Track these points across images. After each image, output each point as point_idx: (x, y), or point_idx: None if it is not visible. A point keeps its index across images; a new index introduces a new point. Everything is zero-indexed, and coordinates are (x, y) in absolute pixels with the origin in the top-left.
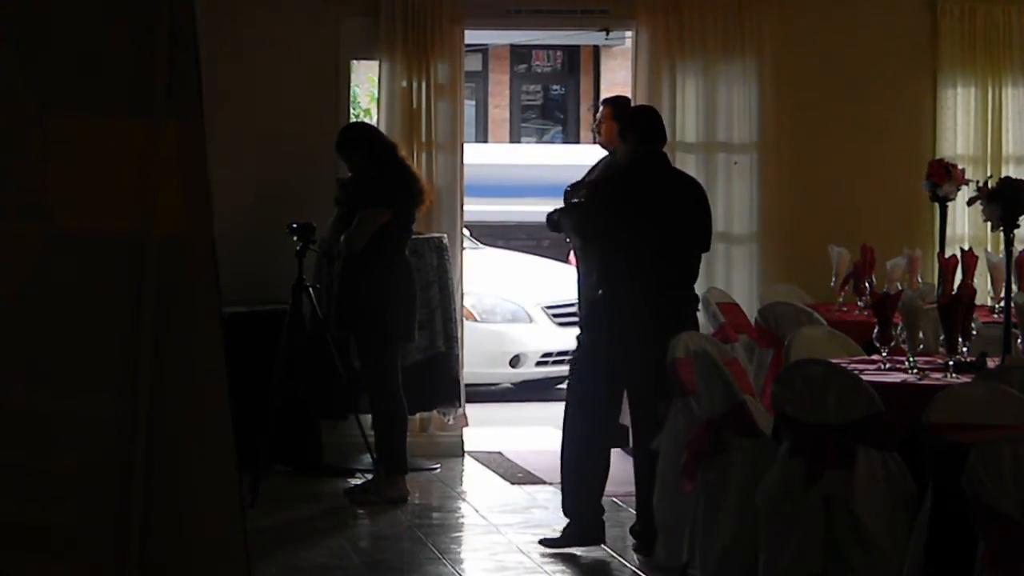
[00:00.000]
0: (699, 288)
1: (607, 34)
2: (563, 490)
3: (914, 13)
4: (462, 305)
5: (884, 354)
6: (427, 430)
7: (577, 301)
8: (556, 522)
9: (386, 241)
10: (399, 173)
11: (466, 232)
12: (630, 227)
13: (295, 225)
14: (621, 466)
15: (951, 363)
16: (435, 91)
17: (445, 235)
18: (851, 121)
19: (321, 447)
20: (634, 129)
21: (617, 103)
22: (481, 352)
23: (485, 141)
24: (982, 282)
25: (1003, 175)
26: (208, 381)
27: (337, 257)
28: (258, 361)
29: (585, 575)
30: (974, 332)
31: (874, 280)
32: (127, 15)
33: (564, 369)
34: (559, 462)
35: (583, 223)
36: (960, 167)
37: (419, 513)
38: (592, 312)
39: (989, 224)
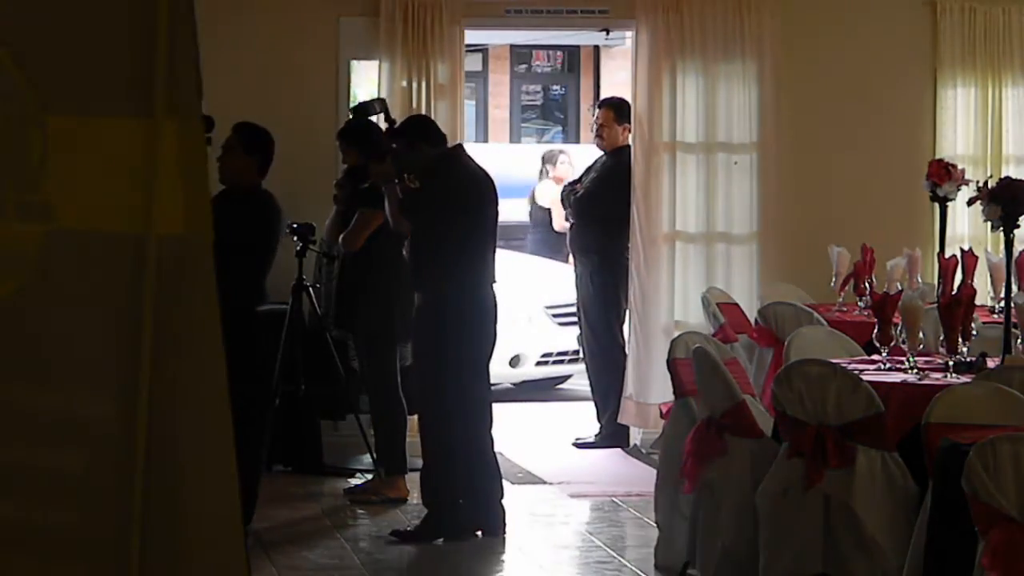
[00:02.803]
0: (699, 288)
1: (607, 34)
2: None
3: (914, 13)
4: None
5: (884, 354)
6: None
7: (576, 301)
8: (556, 522)
9: (384, 241)
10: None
11: None
12: (475, 222)
13: (295, 225)
14: (621, 466)
15: (951, 363)
16: (435, 91)
17: None
18: (851, 121)
19: (321, 447)
20: (422, 137)
21: (617, 105)
22: None
23: (485, 141)
24: (982, 282)
25: (1003, 175)
26: (208, 381)
27: (336, 257)
28: (258, 361)
29: (585, 574)
30: (974, 332)
31: (874, 280)
32: (126, 14)
33: (564, 369)
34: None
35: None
36: (960, 167)
37: (419, 513)
38: (432, 314)
39: (989, 224)
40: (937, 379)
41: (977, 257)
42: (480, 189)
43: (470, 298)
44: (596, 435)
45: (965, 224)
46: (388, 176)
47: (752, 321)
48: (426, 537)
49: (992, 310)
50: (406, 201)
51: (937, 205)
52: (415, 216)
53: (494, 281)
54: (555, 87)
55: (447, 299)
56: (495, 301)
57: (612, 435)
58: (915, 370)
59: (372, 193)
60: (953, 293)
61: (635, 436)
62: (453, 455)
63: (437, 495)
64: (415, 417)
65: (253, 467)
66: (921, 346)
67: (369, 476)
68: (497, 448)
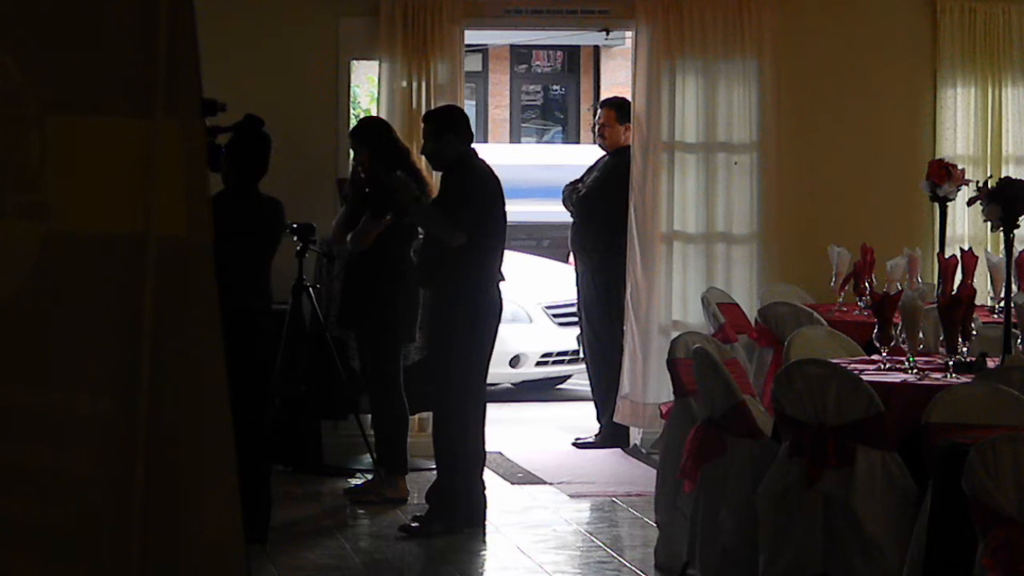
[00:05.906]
0: (698, 288)
1: (607, 34)
2: (464, 477)
3: (914, 13)
4: None
5: (884, 354)
6: (427, 430)
7: (577, 301)
8: (557, 522)
9: (391, 241)
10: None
11: None
12: (491, 222)
13: (295, 225)
14: (621, 466)
15: (951, 363)
16: (435, 91)
17: None
18: (851, 121)
19: (321, 447)
20: (453, 128)
21: (619, 105)
22: None
23: (485, 141)
24: (982, 282)
25: (1003, 175)
26: (208, 381)
27: (337, 257)
28: (258, 361)
29: (585, 574)
30: (974, 332)
31: (874, 280)
32: (127, 14)
33: (564, 369)
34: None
35: (446, 220)
36: (960, 167)
37: (419, 513)
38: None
39: (989, 224)
40: (937, 379)
41: (977, 257)
42: (492, 189)
43: (482, 296)
44: (596, 435)
45: (965, 224)
46: (408, 193)
47: (752, 321)
48: (433, 532)
49: (992, 310)
50: (446, 209)
51: (937, 205)
52: (455, 217)
53: (502, 279)
54: (555, 87)
55: (460, 297)
56: (501, 300)
57: (612, 435)
58: (915, 370)
59: (383, 194)
60: (953, 293)
61: (635, 436)
62: (465, 450)
63: (445, 491)
64: (416, 417)
65: (261, 477)
66: (921, 346)
67: (369, 476)
68: (497, 448)
